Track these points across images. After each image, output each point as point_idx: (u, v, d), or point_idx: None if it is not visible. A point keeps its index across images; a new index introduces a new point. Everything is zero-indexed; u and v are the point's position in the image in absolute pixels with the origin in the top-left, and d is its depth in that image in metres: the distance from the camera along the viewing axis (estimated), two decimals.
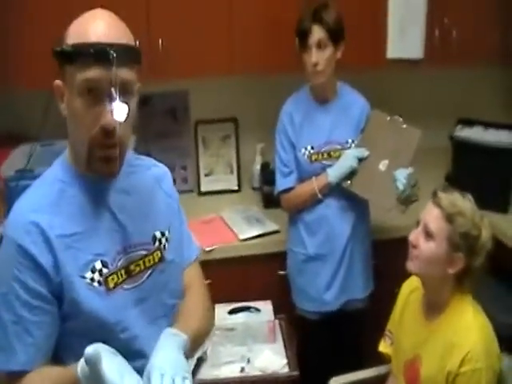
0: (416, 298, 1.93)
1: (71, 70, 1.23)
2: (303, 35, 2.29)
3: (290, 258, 2.58)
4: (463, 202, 1.74)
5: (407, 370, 1.87)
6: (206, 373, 2.17)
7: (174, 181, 3.19)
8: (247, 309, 2.42)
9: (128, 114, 1.24)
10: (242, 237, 2.69)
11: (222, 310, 2.40)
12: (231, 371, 2.17)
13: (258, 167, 3.13)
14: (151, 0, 2.63)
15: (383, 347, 2.08)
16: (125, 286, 1.37)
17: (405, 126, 2.44)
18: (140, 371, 1.30)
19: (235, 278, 2.62)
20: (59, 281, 1.29)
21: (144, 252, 1.41)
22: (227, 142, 3.22)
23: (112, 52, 1.19)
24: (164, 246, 1.46)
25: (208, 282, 2.42)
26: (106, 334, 1.32)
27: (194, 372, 2.16)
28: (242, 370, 2.18)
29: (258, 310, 2.41)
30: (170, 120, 3.18)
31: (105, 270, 1.33)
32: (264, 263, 2.67)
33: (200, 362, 2.21)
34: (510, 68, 3.23)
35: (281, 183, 2.47)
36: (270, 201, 2.86)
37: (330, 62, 2.32)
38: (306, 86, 2.46)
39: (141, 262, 1.40)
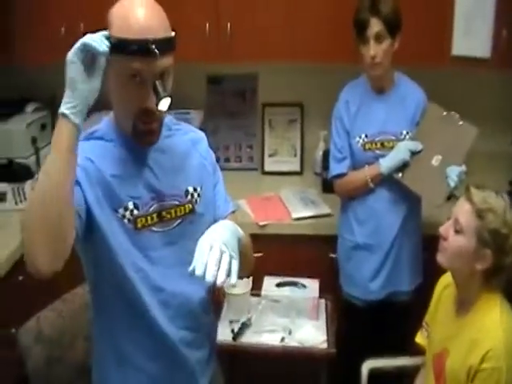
0: (450, 292, 1.97)
1: (116, 57, 1.38)
2: (361, 28, 2.34)
3: (339, 243, 2.67)
4: (496, 200, 1.77)
5: (435, 363, 1.92)
6: (248, 337, 2.35)
7: (240, 158, 3.43)
8: (294, 284, 2.55)
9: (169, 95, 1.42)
10: (294, 216, 2.84)
11: (270, 281, 2.55)
12: (272, 339, 2.34)
13: (320, 153, 3.24)
14: None
15: (420, 339, 2.11)
16: (153, 229, 1.57)
17: (461, 122, 2.45)
18: (158, 303, 1.57)
19: (286, 255, 2.77)
20: (93, 211, 1.47)
21: (176, 202, 1.60)
22: (293, 126, 3.37)
23: (154, 48, 1.37)
24: (196, 200, 1.63)
25: (260, 254, 2.64)
26: (130, 265, 1.53)
27: (237, 335, 2.35)
28: (283, 339, 2.34)
29: (304, 286, 2.53)
30: (239, 101, 3.37)
31: (135, 212, 1.53)
32: (315, 244, 2.79)
33: (244, 327, 2.39)
34: None
35: (334, 168, 2.56)
36: (329, 186, 2.97)
37: (388, 54, 2.36)
38: (364, 74, 2.52)
39: (172, 211, 1.59)
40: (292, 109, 3.35)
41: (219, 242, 1.37)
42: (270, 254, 2.71)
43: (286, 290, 2.52)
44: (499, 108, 3.26)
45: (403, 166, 2.44)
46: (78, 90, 1.30)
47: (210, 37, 2.84)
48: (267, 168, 3.38)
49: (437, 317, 2.03)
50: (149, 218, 1.56)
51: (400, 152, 2.42)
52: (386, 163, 2.44)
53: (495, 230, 1.75)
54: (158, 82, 1.40)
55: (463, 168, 2.38)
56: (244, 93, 3.37)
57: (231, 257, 1.36)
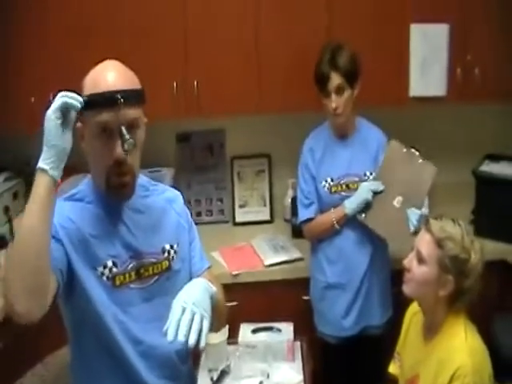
0: (417, 320, 2.04)
1: (88, 115, 1.50)
2: (322, 82, 2.48)
3: (312, 284, 2.74)
4: (453, 228, 1.86)
5: None
6: None
7: (211, 211, 3.48)
8: (270, 329, 2.57)
9: (136, 145, 1.51)
10: (266, 263, 2.90)
11: (246, 328, 2.57)
12: None
13: (289, 200, 3.32)
14: (187, 46, 2.94)
15: (392, 369, 2.16)
16: (131, 286, 1.63)
17: (421, 160, 2.56)
18: (138, 354, 1.61)
19: (260, 301, 2.82)
20: (75, 268, 1.54)
21: (153, 260, 1.67)
22: (261, 177, 3.47)
23: (119, 97, 1.47)
24: (172, 257, 1.70)
25: (234, 303, 2.67)
26: (108, 320, 1.58)
27: (217, 383, 2.35)
28: (261, 383, 2.35)
29: (279, 330, 2.56)
30: (207, 155, 3.47)
31: (114, 269, 1.60)
32: (288, 288, 2.85)
33: (223, 374, 2.39)
34: None
35: (302, 214, 2.65)
36: (298, 231, 3.04)
37: (349, 104, 2.50)
38: (327, 121, 2.65)
39: (150, 268, 1.66)
40: (260, 160, 3.46)
41: (190, 304, 1.45)
42: (244, 302, 2.76)
43: (262, 336, 2.54)
44: (459, 141, 3.43)
45: (366, 207, 2.52)
46: (55, 146, 1.39)
47: (178, 95, 2.95)
48: (238, 219, 3.45)
49: (406, 345, 2.09)
50: (127, 275, 1.62)
51: (363, 192, 2.52)
52: (350, 204, 2.53)
53: (455, 257, 1.84)
54: (123, 127, 1.49)
55: (424, 211, 2.48)
56: (212, 147, 3.47)
57: (202, 317, 1.45)
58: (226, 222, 3.47)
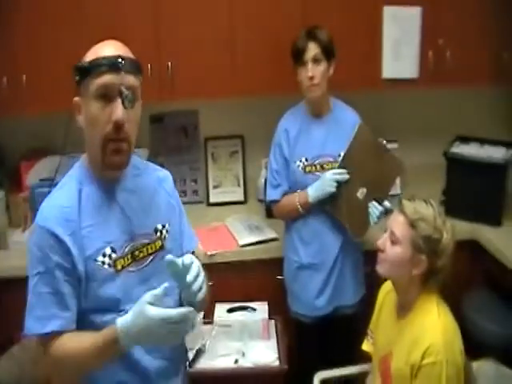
0: (390, 298, 2.09)
1: (88, 81, 1.51)
2: (299, 53, 2.50)
3: (285, 264, 2.77)
4: (426, 209, 1.91)
5: (381, 366, 2.02)
6: (203, 363, 2.39)
7: (185, 192, 3.48)
8: (244, 308, 2.63)
9: (134, 106, 1.53)
10: (241, 243, 2.92)
11: (221, 308, 2.62)
12: (226, 362, 2.38)
13: (262, 180, 3.33)
14: (160, 27, 2.91)
15: (366, 346, 2.22)
16: (130, 269, 1.64)
17: (388, 153, 2.58)
18: None
19: (235, 281, 2.85)
20: (82, 261, 1.56)
21: (147, 241, 1.68)
22: (235, 157, 3.48)
23: (120, 60, 1.50)
24: (164, 236, 1.72)
25: (210, 283, 2.69)
26: (114, 306, 1.60)
27: (193, 363, 2.38)
28: (236, 361, 2.39)
29: (254, 309, 2.61)
30: (181, 137, 3.45)
31: (114, 255, 1.61)
32: (262, 268, 2.88)
33: (199, 353, 2.43)
34: (503, 86, 3.36)
35: (270, 194, 2.68)
36: (272, 211, 3.08)
37: (325, 77, 2.52)
38: (302, 101, 2.67)
39: (144, 249, 1.67)
40: (233, 141, 3.46)
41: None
42: (220, 282, 2.72)
43: (237, 315, 2.60)
44: (430, 123, 3.50)
45: (330, 197, 2.52)
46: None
47: (152, 77, 2.90)
48: (212, 199, 3.45)
49: (380, 323, 2.14)
50: (125, 258, 1.63)
51: (326, 183, 2.51)
52: (313, 193, 2.54)
53: (428, 237, 1.88)
54: (123, 87, 1.50)
55: (386, 205, 2.50)
56: (186, 129, 3.46)
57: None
58: (200, 202, 3.47)
